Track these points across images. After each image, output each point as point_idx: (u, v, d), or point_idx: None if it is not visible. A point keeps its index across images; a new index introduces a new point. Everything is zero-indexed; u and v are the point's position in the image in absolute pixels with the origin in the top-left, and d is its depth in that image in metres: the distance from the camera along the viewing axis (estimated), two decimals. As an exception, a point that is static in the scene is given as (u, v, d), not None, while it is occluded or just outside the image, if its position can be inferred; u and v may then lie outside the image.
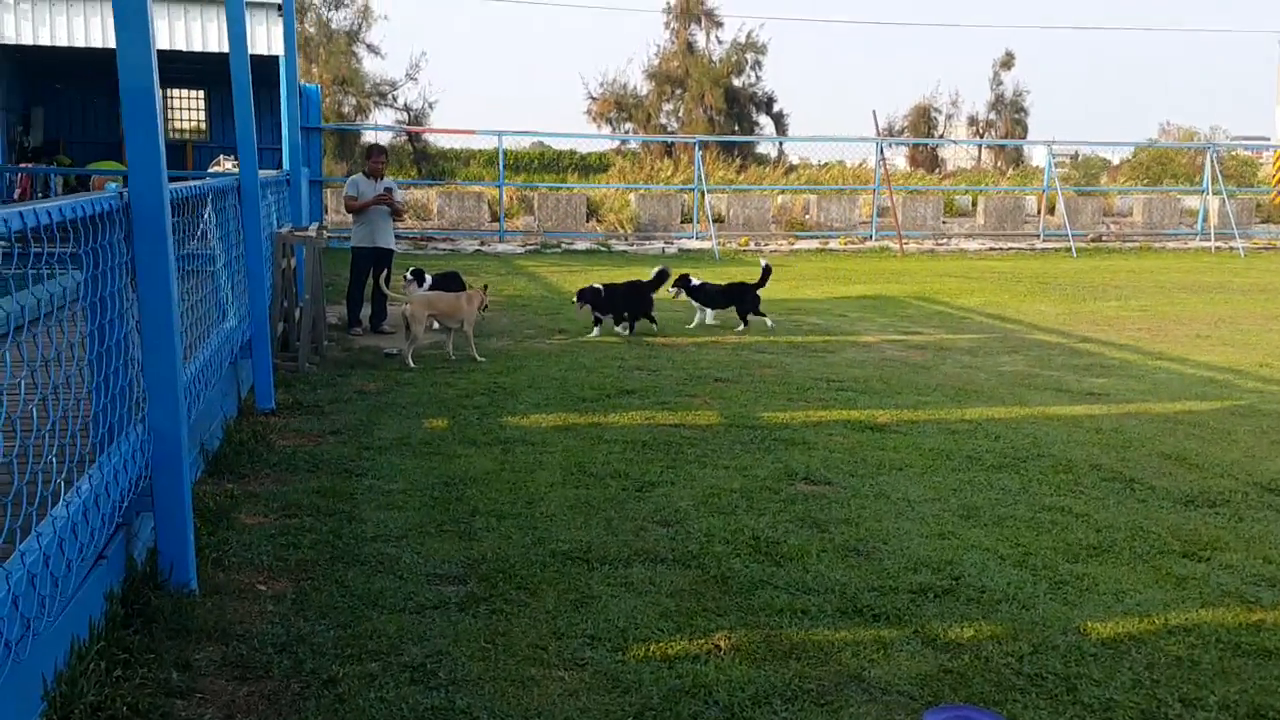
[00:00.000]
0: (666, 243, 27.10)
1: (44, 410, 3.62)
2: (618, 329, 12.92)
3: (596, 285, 13.02)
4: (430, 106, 42.25)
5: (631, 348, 12.11)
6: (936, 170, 48.59)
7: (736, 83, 48.46)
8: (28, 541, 3.41)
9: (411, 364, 10.76)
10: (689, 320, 14.03)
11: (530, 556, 5.63)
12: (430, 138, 40.74)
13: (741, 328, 13.48)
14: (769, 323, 13.78)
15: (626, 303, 13.04)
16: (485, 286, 12.11)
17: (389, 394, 9.51)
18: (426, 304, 11.18)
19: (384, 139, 39.43)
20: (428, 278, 12.76)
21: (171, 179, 7.34)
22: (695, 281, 13.74)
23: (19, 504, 3.25)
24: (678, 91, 48.40)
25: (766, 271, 14.01)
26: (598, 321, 12.92)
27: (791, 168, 41.55)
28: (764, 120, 49.66)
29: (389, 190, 12.37)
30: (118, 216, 4.59)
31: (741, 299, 13.68)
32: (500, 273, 20.02)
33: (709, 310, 13.80)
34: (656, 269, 13.45)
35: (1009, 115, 54.31)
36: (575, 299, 12.96)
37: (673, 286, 13.69)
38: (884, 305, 16.70)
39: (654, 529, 6.12)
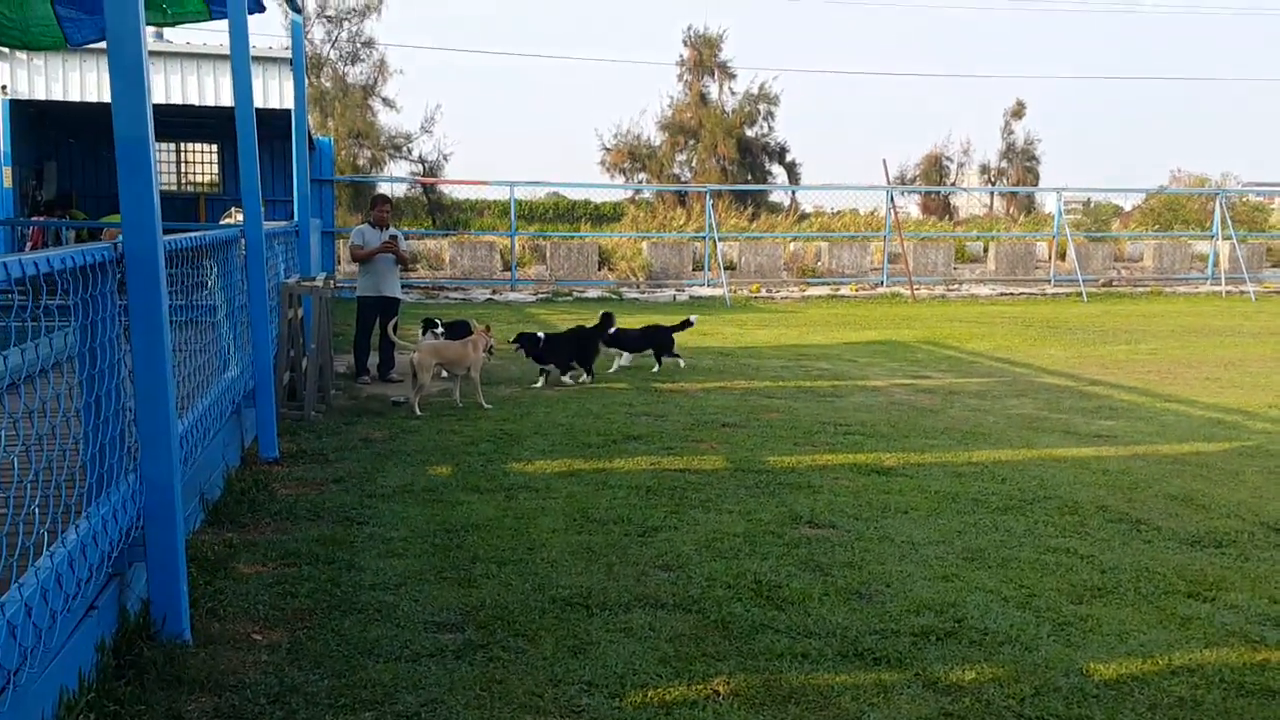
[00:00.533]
0: (678, 290, 27.21)
1: (26, 460, 3.61)
2: (565, 378, 12.73)
3: (537, 333, 12.87)
4: (445, 158, 42.61)
5: (640, 394, 12.09)
6: (948, 217, 48.66)
7: (749, 133, 48.78)
8: (8, 592, 3.39)
9: (419, 412, 10.75)
10: (625, 367, 14.09)
11: (530, 603, 5.58)
12: (444, 188, 40.63)
13: (656, 369, 13.80)
14: (681, 363, 14.12)
15: (572, 351, 12.81)
16: (488, 327, 12.12)
17: (394, 441, 9.49)
18: (434, 352, 11.20)
19: (398, 190, 39.80)
20: (439, 326, 12.83)
21: (180, 230, 7.47)
22: (612, 330, 13.60)
23: (-1, 551, 3.23)
24: (691, 142, 48.90)
25: (686, 323, 14.61)
26: (543, 372, 12.65)
27: (804, 215, 41.68)
28: (776, 169, 50.08)
29: (394, 239, 12.46)
30: (110, 267, 4.60)
31: (658, 341, 14.08)
32: (511, 321, 20.01)
33: (626, 354, 13.96)
34: (602, 313, 13.42)
35: (1020, 163, 54.43)
36: (513, 342, 12.88)
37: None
38: (894, 350, 16.67)
39: (655, 574, 6.07)
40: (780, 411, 11.12)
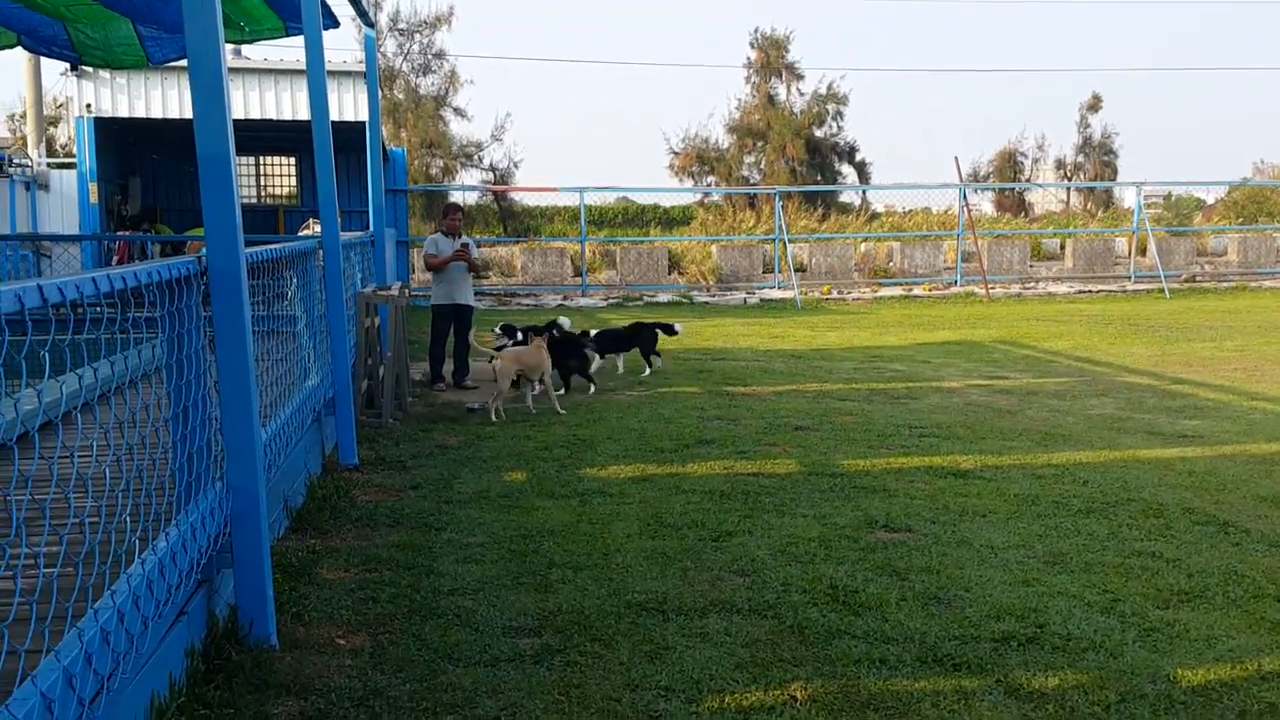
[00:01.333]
0: (748, 293, 27.14)
1: (117, 469, 3.71)
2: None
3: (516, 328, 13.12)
4: (515, 165, 43.02)
5: (711, 398, 12.08)
6: (1023, 214, 47.95)
7: (818, 133, 48.21)
8: (102, 599, 3.48)
9: (494, 418, 10.84)
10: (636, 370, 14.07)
11: (605, 608, 5.61)
12: (515, 196, 41.25)
13: (648, 371, 13.76)
14: (659, 363, 14.05)
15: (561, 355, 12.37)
16: (553, 323, 12.22)
17: (470, 448, 9.57)
18: (514, 359, 11.29)
19: (470, 199, 40.17)
20: (518, 333, 12.91)
21: (260, 242, 7.61)
22: (590, 331, 13.63)
23: (91, 562, 3.32)
24: (759, 144, 48.33)
25: (673, 329, 14.47)
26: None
27: (874, 215, 41.10)
28: (846, 169, 49.31)
29: (465, 246, 12.60)
30: (195, 280, 4.71)
31: (643, 340, 14.00)
32: (582, 326, 20.03)
33: (619, 356, 14.01)
34: (551, 320, 13.12)
35: (1097, 158, 53.53)
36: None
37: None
38: (969, 350, 16.49)
39: (730, 579, 6.07)
40: (854, 414, 11.04)
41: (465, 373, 13.06)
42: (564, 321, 13.34)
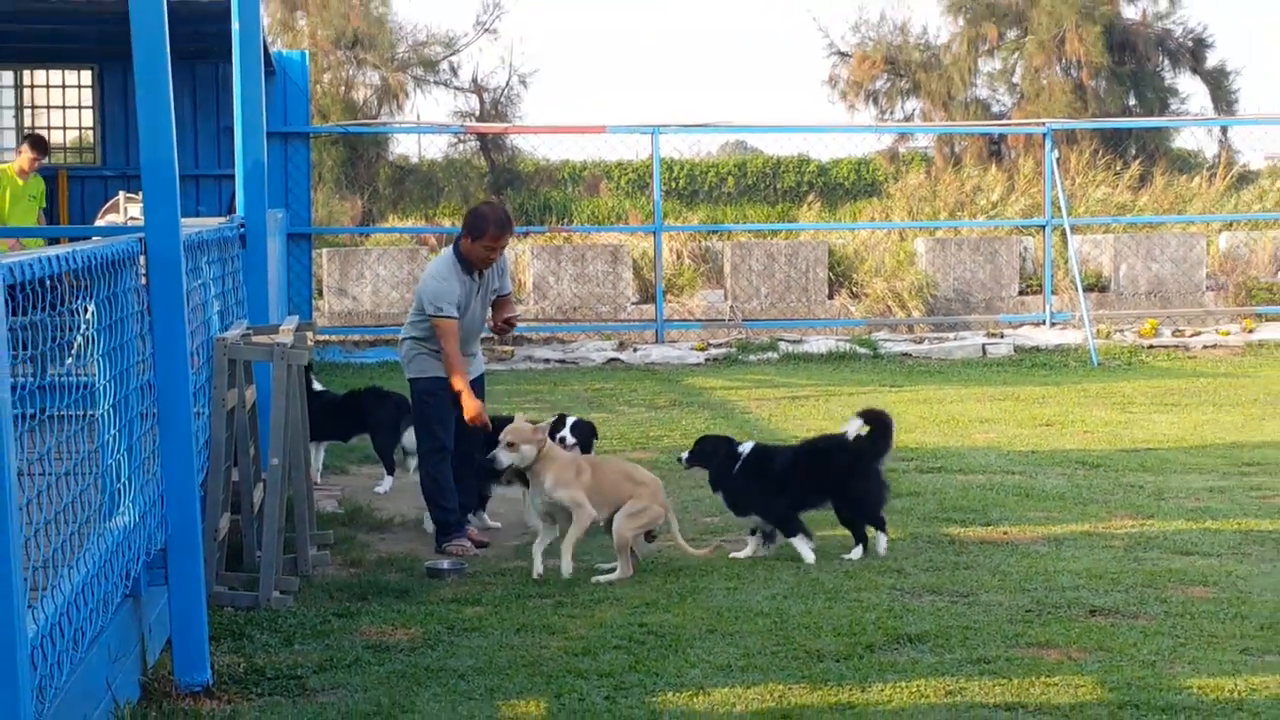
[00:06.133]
0: (991, 333, 17.31)
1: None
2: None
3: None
4: (523, 82, 26.60)
5: (918, 549, 7.56)
6: None
7: (1128, 12, 28.42)
8: None
9: (538, 571, 6.74)
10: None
11: None
12: (520, 142, 25.82)
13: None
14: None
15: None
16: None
17: (432, 650, 6.00)
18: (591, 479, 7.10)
19: (435, 148, 25.71)
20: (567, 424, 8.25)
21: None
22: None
23: None
24: (1011, 34, 29.05)
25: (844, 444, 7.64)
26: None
27: (1245, 176, 24.38)
28: (1187, 84, 29.19)
29: (504, 298, 7.98)
30: None
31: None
32: (658, 404, 12.88)
33: None
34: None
35: None
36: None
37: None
38: None
39: None
40: (1209, 583, 6.79)
41: (477, 504, 8.55)
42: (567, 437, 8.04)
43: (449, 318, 7.34)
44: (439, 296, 7.38)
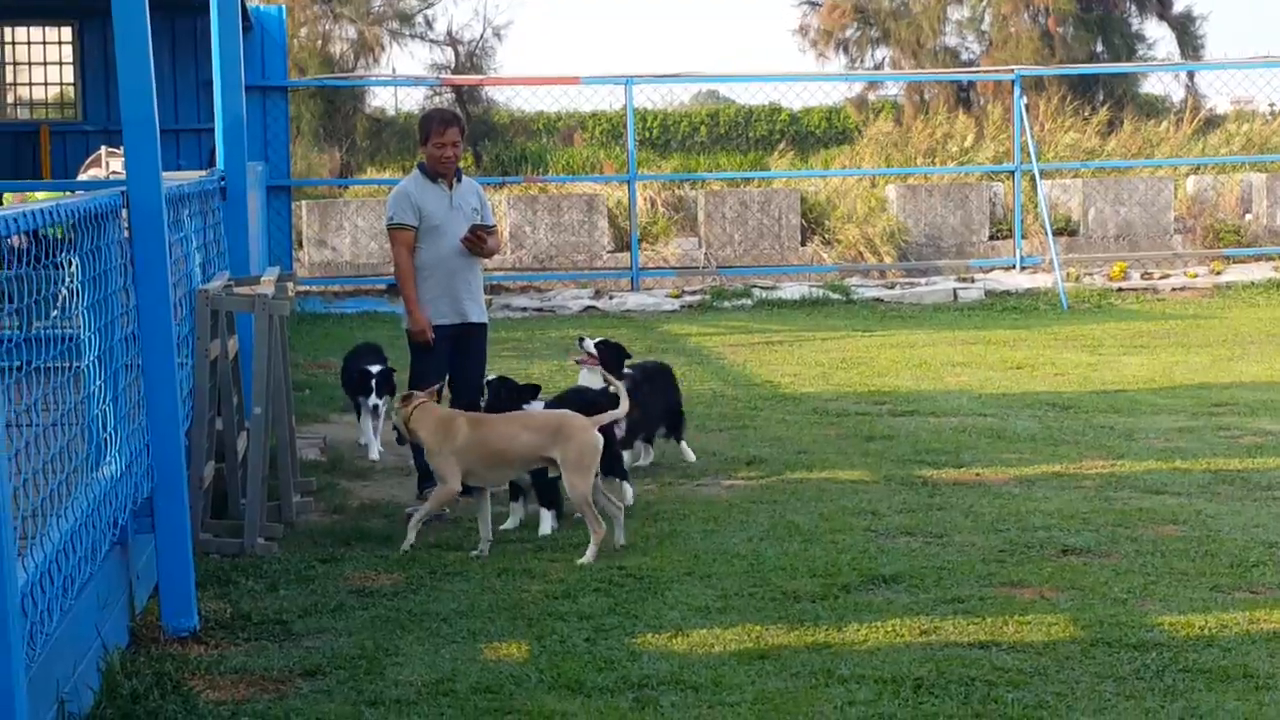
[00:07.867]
0: (963, 278, 17.54)
1: None
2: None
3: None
4: (497, 35, 27.11)
5: (893, 490, 7.62)
6: None
7: None
8: None
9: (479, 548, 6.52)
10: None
11: None
12: (495, 94, 26.19)
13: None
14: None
15: None
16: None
17: (415, 594, 5.99)
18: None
19: (411, 101, 26.30)
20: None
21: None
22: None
23: None
24: None
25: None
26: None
27: (1210, 120, 24.41)
28: (1154, 31, 29.23)
29: (476, 210, 7.67)
30: None
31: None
32: (633, 350, 13.43)
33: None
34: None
35: None
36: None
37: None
38: None
39: None
40: (1180, 522, 6.80)
41: None
42: (587, 343, 8.19)
43: (400, 225, 7.41)
44: (391, 205, 7.53)
